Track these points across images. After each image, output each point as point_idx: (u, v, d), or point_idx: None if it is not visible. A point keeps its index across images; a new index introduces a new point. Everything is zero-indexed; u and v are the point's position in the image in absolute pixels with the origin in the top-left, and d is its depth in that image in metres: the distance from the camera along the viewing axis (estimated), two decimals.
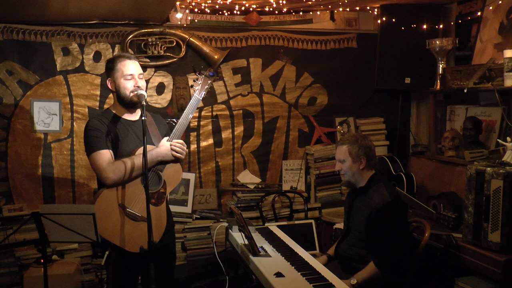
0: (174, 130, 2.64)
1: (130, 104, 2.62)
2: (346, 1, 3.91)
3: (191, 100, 2.72)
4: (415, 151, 4.14)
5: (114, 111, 2.67)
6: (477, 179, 2.77)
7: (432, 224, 3.14)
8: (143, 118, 2.42)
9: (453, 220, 3.09)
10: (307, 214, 4.07)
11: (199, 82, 2.76)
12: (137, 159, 2.52)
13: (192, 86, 2.79)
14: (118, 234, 2.47)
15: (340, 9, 4.28)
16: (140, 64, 2.72)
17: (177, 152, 2.60)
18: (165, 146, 2.59)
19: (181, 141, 2.63)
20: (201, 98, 2.75)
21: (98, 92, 3.92)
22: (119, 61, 2.61)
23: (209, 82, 2.78)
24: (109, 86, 2.65)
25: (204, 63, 4.09)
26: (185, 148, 2.64)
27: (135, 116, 2.68)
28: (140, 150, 2.52)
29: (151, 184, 2.56)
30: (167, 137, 2.63)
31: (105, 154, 2.52)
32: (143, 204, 2.50)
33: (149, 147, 2.54)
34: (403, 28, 4.00)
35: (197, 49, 4.05)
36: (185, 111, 2.67)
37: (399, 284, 2.75)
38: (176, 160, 2.63)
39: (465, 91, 3.30)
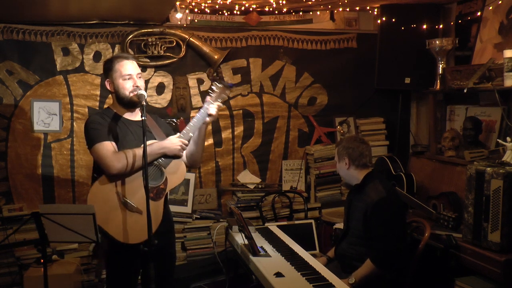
0: (184, 131, 2.65)
1: (130, 104, 2.63)
2: (346, 1, 3.91)
3: (204, 105, 2.70)
4: (415, 151, 4.14)
5: (114, 110, 2.67)
6: (477, 179, 2.77)
7: (432, 224, 3.14)
8: (142, 118, 2.41)
9: (453, 220, 3.09)
10: (307, 214, 4.07)
11: (216, 90, 2.73)
12: (141, 150, 2.47)
13: (209, 94, 2.75)
14: (111, 221, 2.46)
15: (340, 9, 4.28)
16: (140, 64, 2.72)
17: (184, 149, 2.63)
18: (170, 140, 2.60)
19: (186, 141, 2.64)
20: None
21: (98, 92, 3.92)
22: (117, 62, 2.61)
23: (226, 92, 2.76)
24: (108, 87, 2.65)
25: (204, 63, 4.09)
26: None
27: (136, 116, 2.68)
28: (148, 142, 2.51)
29: (152, 178, 2.56)
30: (177, 135, 2.65)
31: (108, 145, 2.52)
32: (141, 196, 2.48)
33: (152, 141, 2.55)
34: (403, 28, 3.99)
35: (197, 49, 4.05)
36: (196, 116, 2.67)
37: (398, 283, 2.76)
38: (178, 156, 2.63)
39: (465, 91, 3.30)
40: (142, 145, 2.51)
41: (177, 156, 2.64)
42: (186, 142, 2.64)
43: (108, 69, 2.63)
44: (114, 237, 2.47)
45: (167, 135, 2.70)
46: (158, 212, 2.60)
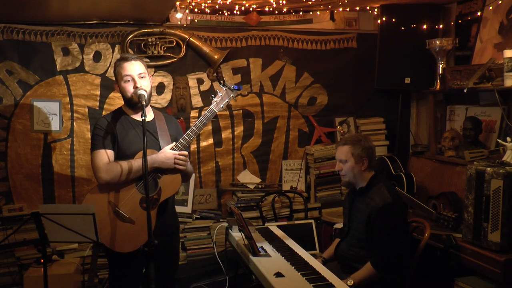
0: (181, 139, 2.60)
1: (132, 105, 2.64)
2: (346, 1, 3.91)
3: (206, 112, 2.65)
4: (415, 151, 4.14)
5: (124, 110, 2.70)
6: (477, 179, 2.77)
7: (432, 224, 3.14)
8: (142, 118, 2.42)
9: (453, 220, 3.09)
10: (307, 214, 4.07)
11: (220, 94, 2.68)
12: (135, 163, 2.52)
13: (212, 97, 2.70)
14: (103, 230, 2.48)
15: (340, 9, 4.28)
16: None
17: (179, 164, 2.57)
18: (164, 154, 2.56)
19: (185, 152, 2.59)
20: (217, 111, 2.68)
21: (98, 92, 3.92)
22: (118, 65, 2.63)
23: (231, 95, 2.70)
24: (116, 90, 2.68)
25: (204, 63, 4.09)
26: (187, 159, 2.62)
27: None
28: (141, 153, 2.51)
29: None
30: (172, 145, 2.61)
31: (103, 154, 2.55)
32: (134, 206, 2.54)
33: (148, 151, 2.51)
34: (403, 28, 4.00)
35: (197, 49, 4.05)
36: (197, 122, 2.61)
37: (397, 284, 2.75)
38: (174, 169, 2.59)
39: (465, 91, 3.30)
40: (137, 157, 2.54)
41: (174, 170, 2.59)
42: (185, 153, 2.58)
43: (114, 73, 2.68)
44: (106, 246, 2.51)
45: (175, 138, 2.68)
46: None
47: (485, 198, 2.72)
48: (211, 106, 2.67)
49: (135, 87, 2.58)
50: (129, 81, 2.59)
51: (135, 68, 2.60)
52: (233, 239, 3.18)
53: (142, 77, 2.62)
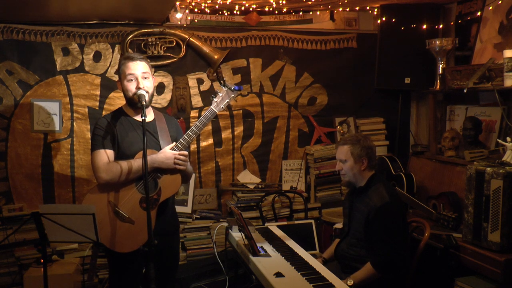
0: (181, 140, 2.60)
1: (133, 105, 2.64)
2: (346, 1, 3.91)
3: (206, 112, 2.65)
4: (415, 151, 4.14)
5: (125, 110, 2.70)
6: (477, 179, 2.77)
7: (432, 224, 3.14)
8: (142, 118, 2.42)
9: (453, 220, 3.09)
10: (307, 214, 4.07)
11: (220, 95, 2.67)
12: (135, 163, 2.52)
13: (212, 97, 2.69)
14: (102, 230, 2.49)
15: (340, 9, 4.28)
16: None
17: (179, 164, 2.57)
18: (164, 154, 2.56)
19: (185, 152, 2.59)
20: (218, 112, 2.67)
21: (98, 92, 3.92)
22: (122, 64, 2.63)
23: (232, 96, 2.69)
24: (119, 88, 2.68)
25: (204, 63, 4.09)
26: (187, 159, 2.61)
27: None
28: (141, 153, 2.51)
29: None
30: (172, 145, 2.60)
31: (103, 154, 2.55)
32: (134, 206, 2.54)
33: (148, 151, 2.51)
34: (403, 28, 4.00)
35: (197, 49, 4.05)
36: (197, 123, 2.61)
37: (397, 284, 2.75)
38: (174, 169, 2.59)
39: (465, 91, 3.30)
40: (137, 157, 2.53)
41: (174, 170, 2.59)
42: (185, 153, 2.58)
43: (118, 71, 2.68)
44: (106, 246, 2.51)
45: (175, 138, 2.68)
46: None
47: (485, 198, 2.72)
48: (211, 107, 2.67)
49: (138, 87, 2.57)
50: (132, 80, 2.59)
51: (139, 67, 2.60)
52: (233, 239, 3.18)
53: (146, 78, 2.61)
